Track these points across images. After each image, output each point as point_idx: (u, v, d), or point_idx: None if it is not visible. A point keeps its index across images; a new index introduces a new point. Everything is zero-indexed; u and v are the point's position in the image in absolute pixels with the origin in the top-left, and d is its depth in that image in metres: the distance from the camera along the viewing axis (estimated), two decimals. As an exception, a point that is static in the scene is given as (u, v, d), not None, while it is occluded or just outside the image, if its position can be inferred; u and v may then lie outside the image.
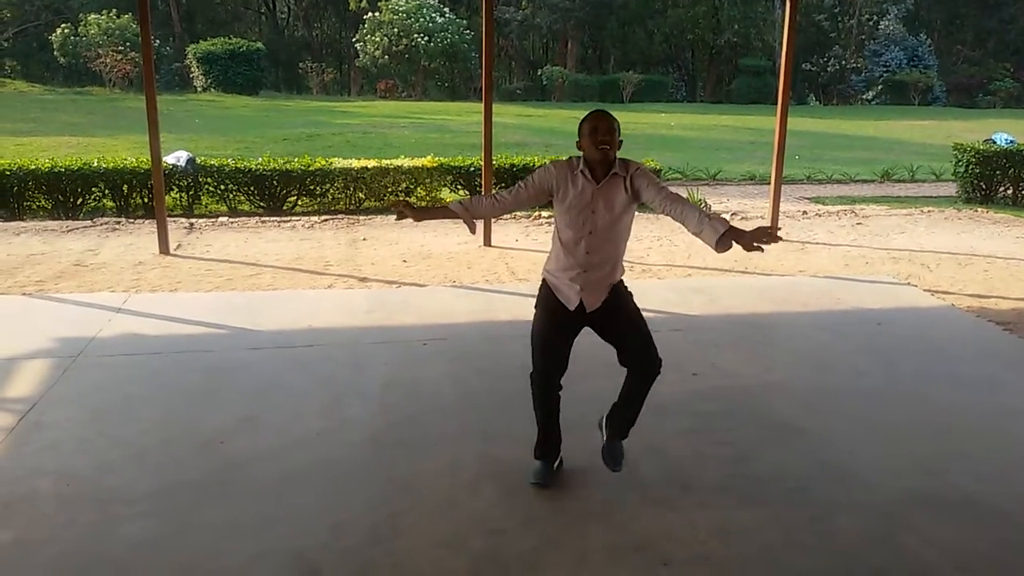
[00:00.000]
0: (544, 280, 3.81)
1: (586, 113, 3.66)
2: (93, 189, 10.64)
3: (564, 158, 3.70)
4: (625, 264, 3.78)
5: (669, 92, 40.69)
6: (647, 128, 24.32)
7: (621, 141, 3.58)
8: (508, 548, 3.41)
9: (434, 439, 4.38)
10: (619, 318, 3.69)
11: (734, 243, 3.23)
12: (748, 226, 3.58)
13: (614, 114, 3.63)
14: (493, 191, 3.92)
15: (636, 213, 3.73)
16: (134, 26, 30.17)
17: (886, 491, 3.90)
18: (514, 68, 47.45)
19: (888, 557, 3.39)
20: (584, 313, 3.67)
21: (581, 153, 3.61)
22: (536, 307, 3.80)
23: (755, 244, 3.17)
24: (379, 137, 19.97)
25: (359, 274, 7.85)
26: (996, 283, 7.78)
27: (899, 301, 7.22)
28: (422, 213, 3.84)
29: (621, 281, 3.75)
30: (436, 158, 11.82)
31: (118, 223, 10.07)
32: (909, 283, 7.75)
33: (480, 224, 9.39)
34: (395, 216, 3.77)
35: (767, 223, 3.01)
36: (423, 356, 5.61)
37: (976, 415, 4.78)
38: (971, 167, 12.64)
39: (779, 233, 3.21)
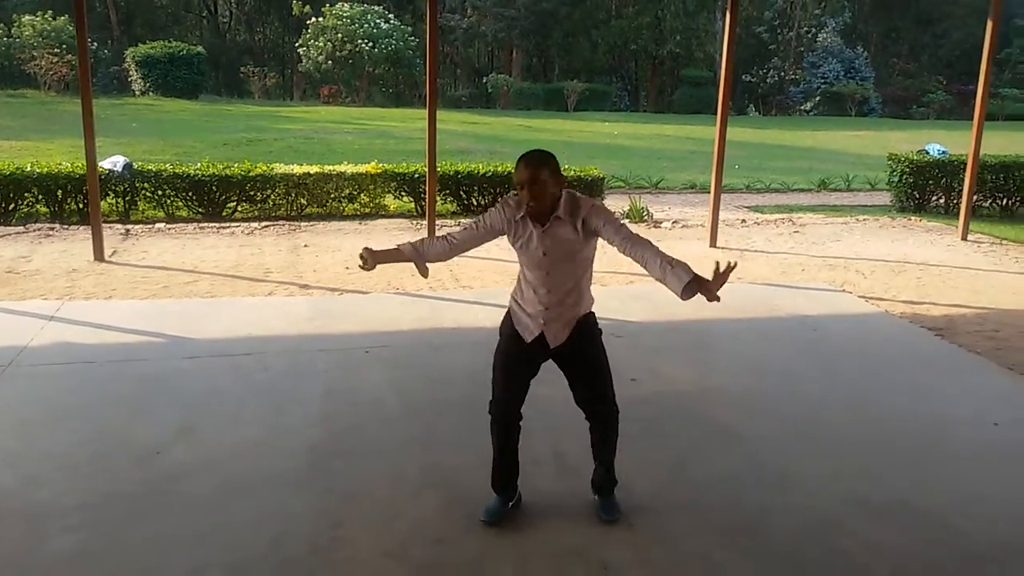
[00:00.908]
0: (509, 307, 3.65)
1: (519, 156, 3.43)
2: (26, 194, 10.35)
3: (513, 195, 3.51)
4: None
5: (613, 101, 41.13)
6: (590, 137, 24.52)
7: (564, 181, 3.45)
8: (451, 556, 3.40)
9: (376, 448, 4.35)
10: (583, 357, 3.58)
11: (698, 291, 3.19)
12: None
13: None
14: (446, 232, 3.70)
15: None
16: (71, 28, 29.46)
17: (823, 495, 3.97)
18: (459, 75, 47.50)
19: (826, 560, 3.45)
20: (547, 347, 3.54)
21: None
22: (500, 334, 3.67)
23: (716, 294, 3.16)
24: (322, 143, 19.79)
25: (300, 281, 7.76)
26: (928, 290, 7.98)
27: (835, 307, 7.37)
28: (378, 256, 3.66)
29: (590, 314, 3.61)
30: (380, 164, 11.74)
31: (52, 229, 9.83)
32: (844, 290, 7.91)
33: (424, 233, 9.36)
34: (360, 264, 3.68)
35: (719, 263, 2.84)
36: (365, 364, 5.56)
37: (909, 419, 4.90)
38: (905, 177, 12.96)
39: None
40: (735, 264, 3.19)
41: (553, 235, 3.39)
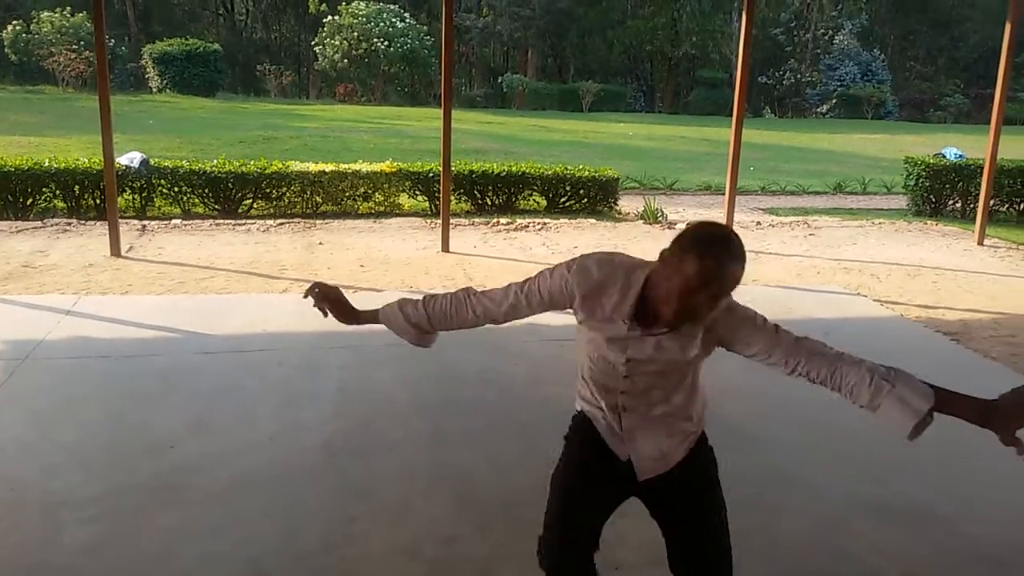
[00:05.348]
0: (580, 411, 2.49)
1: (696, 233, 2.08)
2: (44, 189, 10.44)
3: (601, 258, 2.27)
4: None
5: (628, 102, 41.05)
6: (605, 137, 24.50)
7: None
8: (462, 555, 3.41)
9: (389, 444, 4.36)
10: (686, 498, 2.39)
11: (987, 427, 2.06)
12: None
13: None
14: (469, 290, 2.55)
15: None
16: (88, 25, 29.61)
17: (834, 497, 3.96)
18: (474, 75, 47.53)
19: (835, 561, 3.44)
20: (633, 478, 2.39)
21: (649, 272, 2.16)
22: (568, 439, 2.54)
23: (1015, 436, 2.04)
24: (337, 141, 19.84)
25: (315, 278, 7.77)
26: (944, 294, 7.95)
27: (849, 311, 7.34)
28: (349, 313, 2.58)
29: (703, 439, 2.44)
30: (395, 163, 11.79)
31: (69, 224, 9.90)
32: (859, 293, 7.89)
33: (438, 232, 9.37)
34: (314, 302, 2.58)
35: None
36: (378, 361, 5.58)
37: (922, 423, 4.87)
38: (921, 181, 12.91)
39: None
40: None
41: (662, 347, 2.21)
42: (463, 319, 2.48)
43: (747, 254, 2.11)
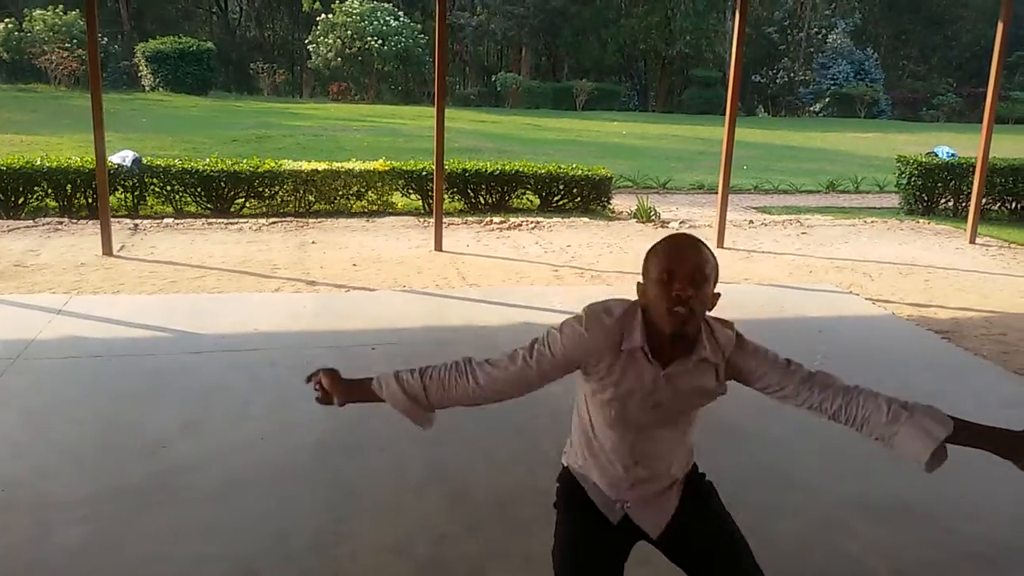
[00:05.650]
0: (568, 471, 2.42)
1: (653, 246, 2.14)
2: (36, 188, 10.41)
3: (605, 305, 2.17)
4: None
5: (621, 101, 41.08)
6: (599, 136, 24.51)
7: (717, 295, 2.13)
8: (453, 554, 3.41)
9: (380, 444, 4.36)
10: (700, 534, 2.33)
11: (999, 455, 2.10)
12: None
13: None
14: (470, 359, 2.32)
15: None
16: (81, 23, 29.53)
17: (826, 496, 3.97)
18: (468, 73, 47.53)
19: (828, 560, 3.45)
20: (637, 528, 2.35)
21: (641, 304, 2.15)
22: (558, 508, 2.43)
23: None
24: (330, 140, 19.83)
25: (307, 278, 7.78)
26: (935, 293, 7.97)
27: (841, 309, 7.36)
28: (345, 390, 2.45)
29: (694, 469, 2.46)
30: (388, 162, 11.78)
31: (61, 223, 9.87)
32: (851, 292, 7.90)
33: (431, 231, 9.37)
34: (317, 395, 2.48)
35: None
36: (372, 360, 5.57)
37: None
38: (914, 179, 12.93)
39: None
40: None
41: (681, 383, 2.16)
42: (462, 388, 2.27)
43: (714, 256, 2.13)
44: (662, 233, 10.63)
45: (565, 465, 2.43)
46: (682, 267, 2.03)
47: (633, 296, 2.20)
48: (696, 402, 2.24)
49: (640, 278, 2.14)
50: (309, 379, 2.42)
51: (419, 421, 2.35)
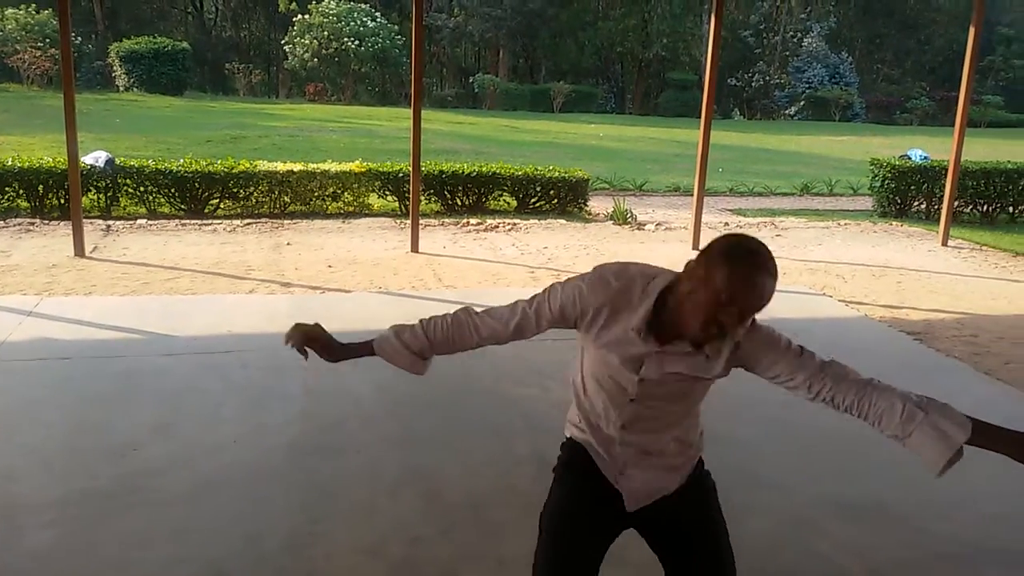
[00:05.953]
0: (570, 438, 2.38)
1: (725, 245, 1.95)
2: (7, 189, 10.27)
3: (622, 268, 2.12)
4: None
5: (598, 103, 41.15)
6: (576, 138, 24.55)
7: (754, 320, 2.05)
8: (427, 555, 3.40)
9: (355, 446, 4.34)
10: (690, 523, 2.29)
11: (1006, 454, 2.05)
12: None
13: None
14: (469, 310, 2.34)
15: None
16: (54, 22, 29.18)
17: (799, 496, 3.99)
18: (446, 75, 47.48)
19: (802, 560, 3.47)
20: (624, 510, 2.30)
21: (664, 282, 2.06)
22: (556, 473, 2.39)
23: None
24: (306, 140, 19.72)
25: (282, 279, 7.73)
26: (908, 294, 8.04)
27: (815, 311, 7.41)
28: (336, 350, 2.56)
29: (700, 464, 2.43)
30: (364, 163, 11.73)
31: (32, 224, 9.76)
32: (825, 294, 7.96)
33: (408, 232, 9.33)
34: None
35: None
36: (346, 362, 5.53)
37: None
38: (887, 182, 13.05)
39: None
40: None
41: (670, 362, 2.10)
42: (465, 341, 2.30)
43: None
44: (639, 235, 10.70)
45: (568, 436, 2.39)
46: (747, 301, 1.91)
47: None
48: (684, 391, 2.19)
49: (694, 263, 1.97)
50: (287, 340, 2.40)
51: (417, 371, 2.41)
